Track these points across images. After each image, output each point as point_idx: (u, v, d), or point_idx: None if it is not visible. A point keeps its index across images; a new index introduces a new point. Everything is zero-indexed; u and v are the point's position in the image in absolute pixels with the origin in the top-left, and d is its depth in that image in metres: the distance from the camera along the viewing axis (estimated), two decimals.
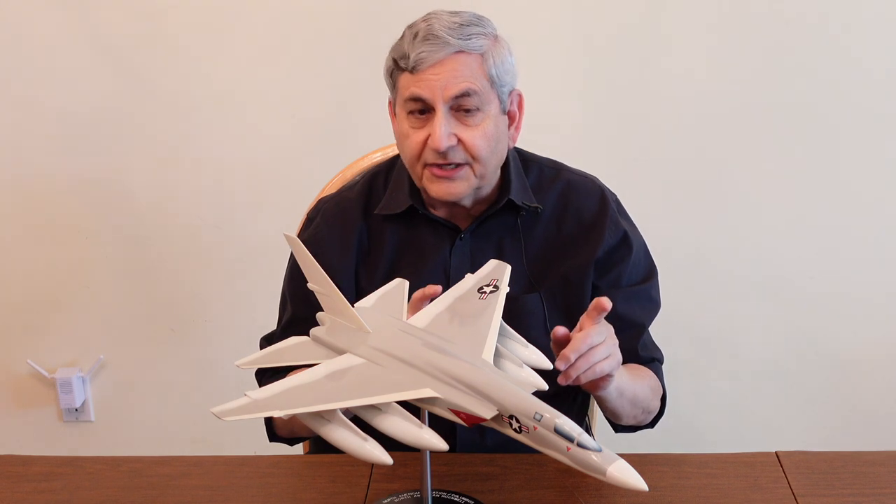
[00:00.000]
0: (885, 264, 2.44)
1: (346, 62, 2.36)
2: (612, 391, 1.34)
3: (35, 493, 1.38)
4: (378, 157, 1.81)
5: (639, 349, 1.57)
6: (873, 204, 2.41)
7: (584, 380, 1.24)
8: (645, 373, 1.55)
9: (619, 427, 1.56)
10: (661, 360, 1.63)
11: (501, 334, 1.22)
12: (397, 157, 1.60)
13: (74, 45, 2.39)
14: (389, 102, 1.55)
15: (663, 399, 1.59)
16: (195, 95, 2.43)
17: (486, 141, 1.47)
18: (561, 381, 1.21)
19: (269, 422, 1.58)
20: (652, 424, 1.59)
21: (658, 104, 2.37)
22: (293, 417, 1.48)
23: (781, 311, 2.48)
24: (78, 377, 2.61)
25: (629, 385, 1.42)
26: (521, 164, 1.61)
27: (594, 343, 1.23)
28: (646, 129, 2.39)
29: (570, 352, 1.20)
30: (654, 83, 2.35)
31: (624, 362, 1.55)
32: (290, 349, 1.24)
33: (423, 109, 1.46)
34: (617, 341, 1.28)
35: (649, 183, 2.40)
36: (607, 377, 1.27)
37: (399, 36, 1.49)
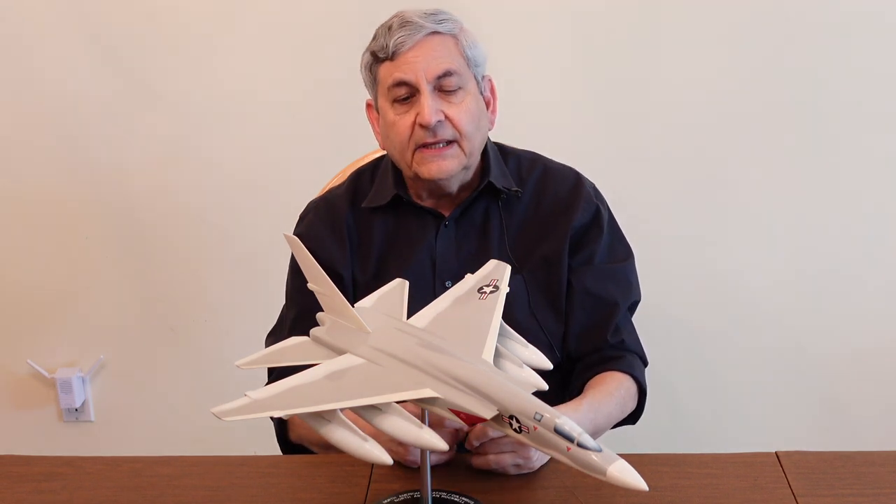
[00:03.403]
0: (886, 263, 2.44)
1: (347, 62, 2.35)
2: None
3: (35, 493, 1.38)
4: (378, 156, 1.81)
5: (609, 333, 1.57)
6: (873, 204, 2.40)
7: (490, 462, 1.35)
8: (609, 388, 1.52)
9: None
10: (639, 354, 1.60)
11: (501, 334, 1.22)
12: (381, 158, 1.68)
13: (75, 46, 2.39)
14: (368, 105, 1.61)
15: (643, 396, 1.57)
16: (195, 96, 2.43)
17: (471, 116, 1.53)
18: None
19: (283, 432, 1.58)
20: (633, 421, 1.59)
21: (657, 104, 2.36)
22: (303, 426, 1.50)
23: (781, 310, 2.47)
24: (78, 377, 2.61)
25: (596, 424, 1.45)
26: (501, 155, 1.66)
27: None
28: (645, 129, 2.38)
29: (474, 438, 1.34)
30: (654, 83, 2.35)
31: (592, 345, 1.58)
32: (290, 349, 1.24)
33: (407, 95, 1.52)
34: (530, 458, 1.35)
35: (649, 183, 2.39)
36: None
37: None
